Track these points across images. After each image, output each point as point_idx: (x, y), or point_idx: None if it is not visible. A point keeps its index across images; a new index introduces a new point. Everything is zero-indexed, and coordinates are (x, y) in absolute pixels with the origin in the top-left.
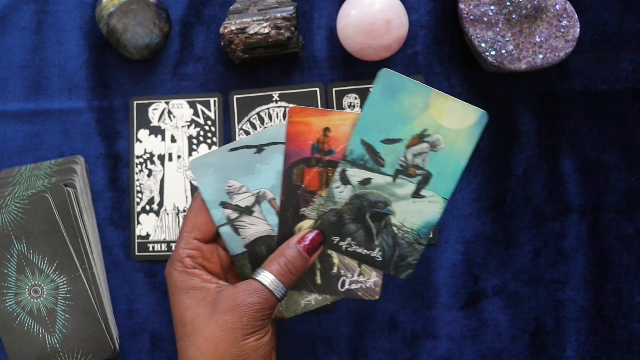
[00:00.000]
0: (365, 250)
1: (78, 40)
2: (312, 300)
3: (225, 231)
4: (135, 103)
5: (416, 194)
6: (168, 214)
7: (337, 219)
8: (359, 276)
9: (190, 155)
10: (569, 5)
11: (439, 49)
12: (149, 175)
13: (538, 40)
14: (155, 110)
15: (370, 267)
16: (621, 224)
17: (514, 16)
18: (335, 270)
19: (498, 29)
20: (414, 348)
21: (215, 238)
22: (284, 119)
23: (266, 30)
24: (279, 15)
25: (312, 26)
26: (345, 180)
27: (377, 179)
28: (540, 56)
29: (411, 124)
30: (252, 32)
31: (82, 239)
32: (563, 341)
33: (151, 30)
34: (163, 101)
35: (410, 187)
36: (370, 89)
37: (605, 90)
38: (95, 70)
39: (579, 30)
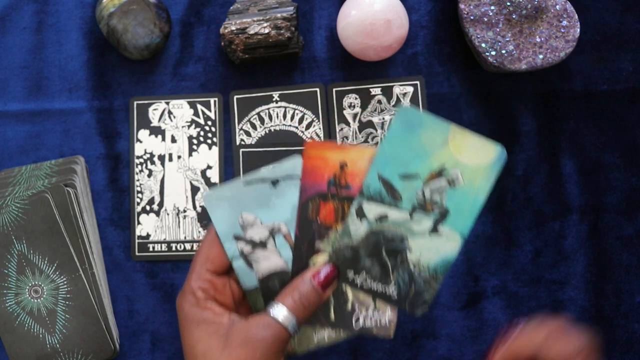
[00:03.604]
0: (380, 286)
1: (78, 40)
2: (325, 336)
3: (238, 265)
4: (135, 103)
5: (433, 230)
6: (168, 214)
7: (353, 253)
8: (373, 312)
9: (190, 155)
10: (569, 5)
11: (439, 49)
12: (149, 175)
13: (538, 40)
14: (155, 110)
15: (385, 303)
16: (621, 224)
17: (514, 16)
18: (349, 305)
19: (498, 29)
20: (414, 348)
21: (228, 270)
22: (284, 119)
23: (266, 30)
24: (279, 15)
25: (312, 26)
26: (361, 215)
27: (394, 214)
28: (540, 56)
29: (429, 160)
30: (252, 32)
31: (82, 239)
32: None
33: (151, 30)
34: (163, 101)
35: (427, 223)
36: (389, 124)
37: (605, 90)
38: (95, 70)
39: (579, 30)
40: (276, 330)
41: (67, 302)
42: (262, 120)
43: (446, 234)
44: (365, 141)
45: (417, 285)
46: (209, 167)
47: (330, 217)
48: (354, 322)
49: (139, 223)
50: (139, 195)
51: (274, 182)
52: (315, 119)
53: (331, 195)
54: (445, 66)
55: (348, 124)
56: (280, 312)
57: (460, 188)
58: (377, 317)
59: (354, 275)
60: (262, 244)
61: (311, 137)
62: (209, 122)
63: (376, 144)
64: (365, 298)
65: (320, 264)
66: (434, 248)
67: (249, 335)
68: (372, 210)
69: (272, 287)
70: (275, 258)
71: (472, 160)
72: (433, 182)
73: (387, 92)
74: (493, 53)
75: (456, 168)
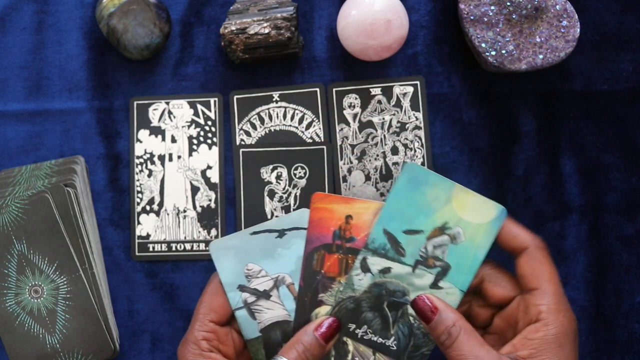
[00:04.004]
0: (380, 339)
1: (78, 40)
2: None
3: (241, 314)
4: (135, 103)
5: (434, 285)
6: (168, 214)
7: (355, 306)
8: None
9: (190, 155)
10: (569, 5)
11: (439, 49)
12: (149, 175)
13: (538, 40)
14: (155, 110)
15: (384, 355)
16: (621, 224)
17: (514, 16)
18: (349, 357)
19: (498, 29)
20: None
21: (230, 321)
22: (284, 119)
23: (266, 30)
24: (279, 15)
25: (312, 26)
26: (365, 268)
27: (397, 268)
28: (540, 56)
29: (433, 216)
30: (252, 32)
31: (82, 239)
32: None
33: (151, 30)
34: (163, 101)
35: (428, 277)
36: (394, 181)
37: (605, 90)
38: (95, 70)
39: (579, 30)
40: None
41: (67, 302)
42: (262, 120)
43: (446, 289)
44: (366, 141)
45: (416, 339)
46: (209, 167)
47: (334, 268)
48: None
49: (139, 223)
50: (139, 195)
51: (281, 233)
52: (315, 119)
53: (336, 247)
54: (445, 66)
55: (348, 124)
56: None
57: (461, 244)
58: None
59: (356, 328)
60: (266, 295)
61: (311, 138)
62: (209, 122)
63: (376, 144)
64: (365, 350)
65: (323, 315)
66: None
67: None
68: (376, 263)
69: (274, 337)
70: (278, 309)
71: (474, 218)
72: (436, 238)
73: (387, 92)
74: (493, 53)
75: (458, 225)
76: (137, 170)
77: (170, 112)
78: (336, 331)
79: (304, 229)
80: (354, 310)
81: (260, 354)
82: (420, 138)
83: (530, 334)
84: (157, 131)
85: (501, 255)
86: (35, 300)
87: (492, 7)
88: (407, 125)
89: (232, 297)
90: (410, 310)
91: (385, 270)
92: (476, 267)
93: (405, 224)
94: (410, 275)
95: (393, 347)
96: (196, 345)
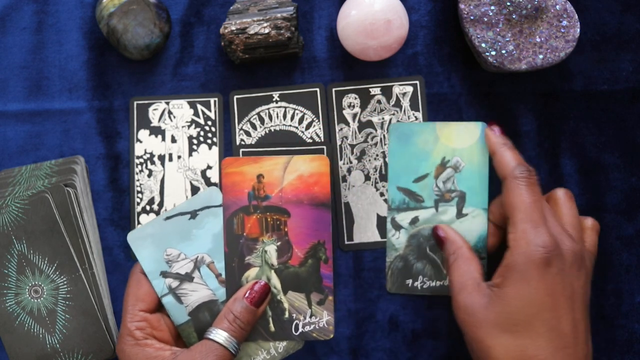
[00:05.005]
0: (438, 282)
1: (78, 40)
2: (265, 355)
3: (168, 300)
4: (135, 103)
5: (459, 214)
6: None
7: (404, 263)
8: (310, 317)
9: (190, 155)
10: (569, 5)
11: (439, 49)
12: (149, 175)
13: (538, 40)
14: (155, 110)
15: (320, 306)
16: (621, 224)
17: (514, 16)
18: (287, 314)
19: (498, 29)
20: (415, 348)
21: (160, 307)
22: (284, 119)
23: (266, 30)
24: (279, 15)
25: (312, 26)
26: (397, 227)
27: (423, 214)
28: (540, 56)
29: (431, 157)
30: (252, 32)
31: (82, 239)
32: None
33: (151, 30)
34: (163, 101)
35: (452, 210)
36: (387, 143)
37: (605, 90)
38: (95, 70)
39: (579, 30)
40: (220, 354)
41: (67, 302)
42: (262, 120)
43: (471, 213)
44: (365, 141)
45: None
46: (209, 167)
47: (255, 229)
48: (293, 330)
49: (139, 223)
50: (139, 195)
51: (193, 214)
52: (315, 119)
53: (253, 207)
54: (445, 66)
55: (348, 123)
56: (219, 335)
57: (464, 170)
58: (315, 321)
59: (413, 282)
60: (189, 277)
61: (311, 138)
62: (209, 122)
63: (375, 144)
64: (301, 305)
65: (253, 278)
66: (466, 230)
67: None
68: (404, 218)
69: (203, 318)
70: (202, 289)
71: (464, 143)
72: (441, 174)
73: (387, 92)
74: (493, 53)
75: (455, 155)
76: (137, 170)
77: (170, 112)
78: (266, 294)
79: (215, 206)
80: (404, 267)
81: (193, 337)
82: None
83: (503, 261)
84: (157, 131)
85: None
86: (35, 300)
87: (492, 7)
88: None
89: (156, 285)
90: None
91: (414, 220)
92: (486, 182)
93: (411, 174)
94: (436, 215)
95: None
96: (131, 337)
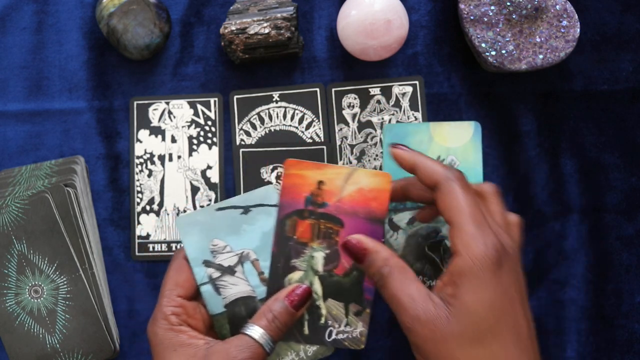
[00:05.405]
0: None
1: (78, 40)
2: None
3: (206, 290)
4: (135, 103)
5: None
6: (168, 214)
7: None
8: (345, 326)
9: (190, 155)
10: (569, 5)
11: (439, 49)
12: (149, 175)
13: (538, 40)
14: (155, 110)
15: (357, 317)
16: (621, 224)
17: (514, 16)
18: (322, 320)
19: (498, 29)
20: None
21: (196, 296)
22: (284, 119)
23: (266, 30)
24: (279, 15)
25: (312, 26)
26: (394, 227)
27: None
28: (540, 56)
29: None
30: (252, 32)
31: (82, 239)
32: (563, 341)
33: (151, 30)
34: (163, 101)
35: None
36: (383, 145)
37: (605, 90)
38: (95, 70)
39: (579, 30)
40: (254, 349)
41: (67, 302)
42: (262, 120)
43: None
44: (365, 141)
45: None
46: (209, 167)
47: (306, 234)
48: (326, 336)
49: (139, 223)
50: (139, 195)
51: (246, 210)
52: (315, 119)
53: (308, 212)
54: (445, 66)
55: (347, 124)
56: (256, 332)
57: (460, 168)
58: (349, 330)
59: None
60: (231, 270)
61: (311, 138)
62: (209, 122)
63: (375, 144)
64: (338, 313)
65: (296, 281)
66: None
67: (230, 356)
68: (401, 218)
69: (238, 312)
70: (242, 284)
71: (457, 142)
72: None
73: (386, 92)
74: (493, 53)
75: (449, 154)
76: (137, 170)
77: (170, 112)
78: (307, 299)
79: (269, 205)
80: None
81: (225, 329)
82: None
83: (451, 267)
84: (157, 131)
85: None
86: (35, 300)
87: (492, 7)
88: None
89: (197, 272)
90: (450, 244)
91: (412, 221)
92: (480, 180)
93: (408, 174)
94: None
95: None
96: (166, 321)
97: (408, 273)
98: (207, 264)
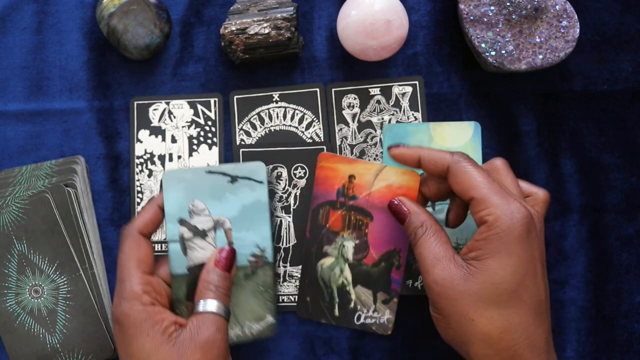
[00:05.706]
0: None
1: (78, 41)
2: (237, 334)
3: (174, 248)
4: (135, 103)
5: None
6: None
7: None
8: (373, 312)
9: (190, 155)
10: (568, 6)
11: (439, 49)
12: (149, 175)
13: (538, 40)
14: (156, 110)
15: (384, 305)
16: (621, 224)
17: (513, 16)
18: (352, 305)
19: (498, 29)
20: (414, 348)
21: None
22: (284, 119)
23: (266, 31)
24: (279, 15)
25: (312, 26)
26: None
27: None
28: (540, 56)
29: None
30: (252, 32)
31: (82, 239)
32: (563, 341)
33: (151, 31)
34: (163, 101)
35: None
36: (382, 147)
37: (605, 90)
38: (96, 70)
39: (578, 30)
40: (219, 322)
41: (67, 302)
42: (262, 121)
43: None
44: (365, 141)
45: None
46: None
47: (338, 223)
48: (355, 319)
49: None
50: (139, 195)
51: (233, 179)
52: (315, 119)
53: (339, 204)
54: (445, 66)
55: (347, 124)
56: (211, 305)
57: None
58: (377, 316)
59: (413, 283)
60: (203, 234)
61: (311, 138)
62: (209, 122)
63: (375, 144)
64: (367, 299)
65: (327, 266)
66: (464, 227)
67: (201, 337)
68: None
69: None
70: (210, 250)
71: (458, 141)
72: None
73: (386, 92)
74: (493, 53)
75: None
76: (137, 170)
77: (170, 112)
78: (233, 258)
79: (256, 181)
80: (407, 268)
81: (181, 291)
82: None
83: (477, 235)
84: (157, 131)
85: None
86: (36, 300)
87: (492, 7)
88: None
89: (170, 229)
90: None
91: None
92: None
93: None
94: (434, 214)
95: None
96: (137, 301)
97: (441, 236)
98: (182, 222)
